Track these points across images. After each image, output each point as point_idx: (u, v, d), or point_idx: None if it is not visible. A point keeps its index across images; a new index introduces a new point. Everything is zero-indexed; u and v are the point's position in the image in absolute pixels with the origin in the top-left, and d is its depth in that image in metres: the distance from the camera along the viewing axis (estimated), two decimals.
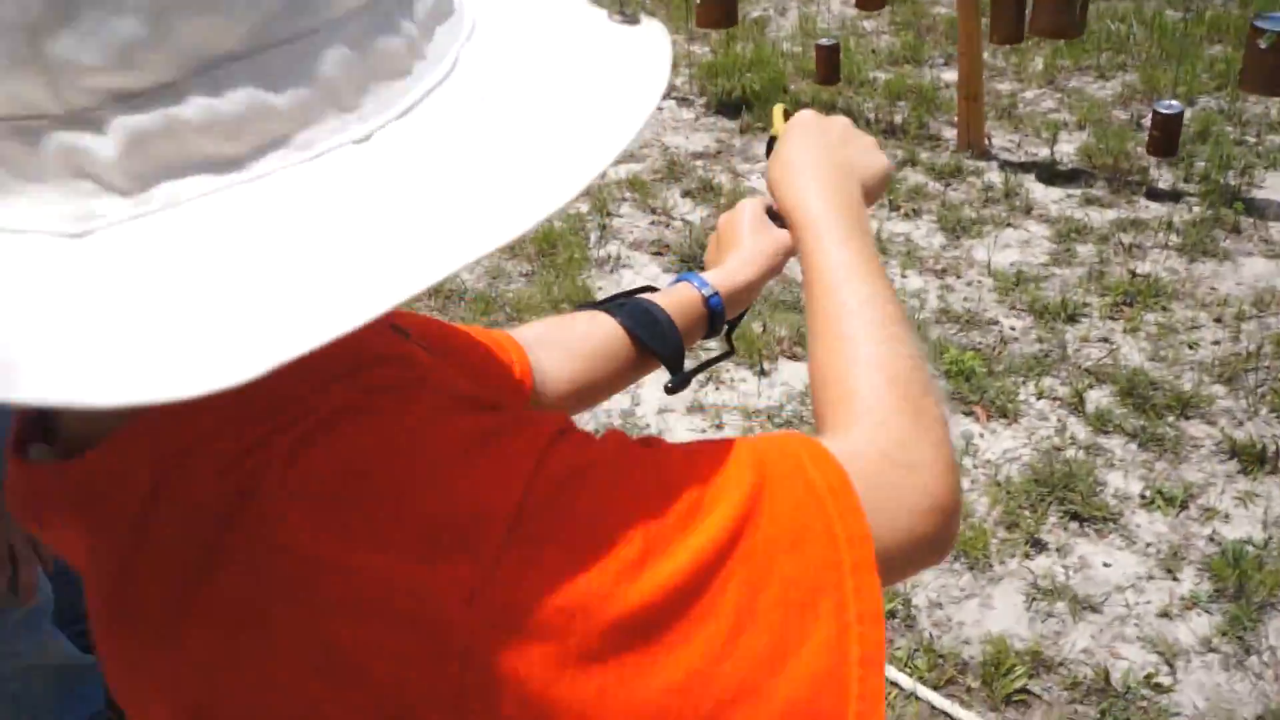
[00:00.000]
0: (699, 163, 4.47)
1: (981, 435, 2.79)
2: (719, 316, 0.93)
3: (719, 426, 2.90)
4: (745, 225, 0.95)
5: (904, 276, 3.52)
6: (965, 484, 2.63)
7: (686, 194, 4.21)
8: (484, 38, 0.49)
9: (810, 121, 0.83)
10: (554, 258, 3.83)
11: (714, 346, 2.88)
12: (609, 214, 4.11)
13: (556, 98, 0.47)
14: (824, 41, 4.38)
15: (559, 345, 0.88)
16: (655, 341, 0.88)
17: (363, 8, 0.43)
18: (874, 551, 0.48)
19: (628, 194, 4.25)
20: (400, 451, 0.44)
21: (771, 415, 2.93)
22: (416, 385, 0.48)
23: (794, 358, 3.17)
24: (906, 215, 3.91)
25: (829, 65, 4.38)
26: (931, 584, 2.37)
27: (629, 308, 0.90)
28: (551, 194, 0.43)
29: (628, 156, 4.59)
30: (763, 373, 3.11)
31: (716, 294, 0.92)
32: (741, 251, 0.94)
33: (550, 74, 0.49)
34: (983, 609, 2.31)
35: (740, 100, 4.95)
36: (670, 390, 0.81)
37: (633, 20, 0.50)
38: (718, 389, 3.06)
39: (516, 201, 0.42)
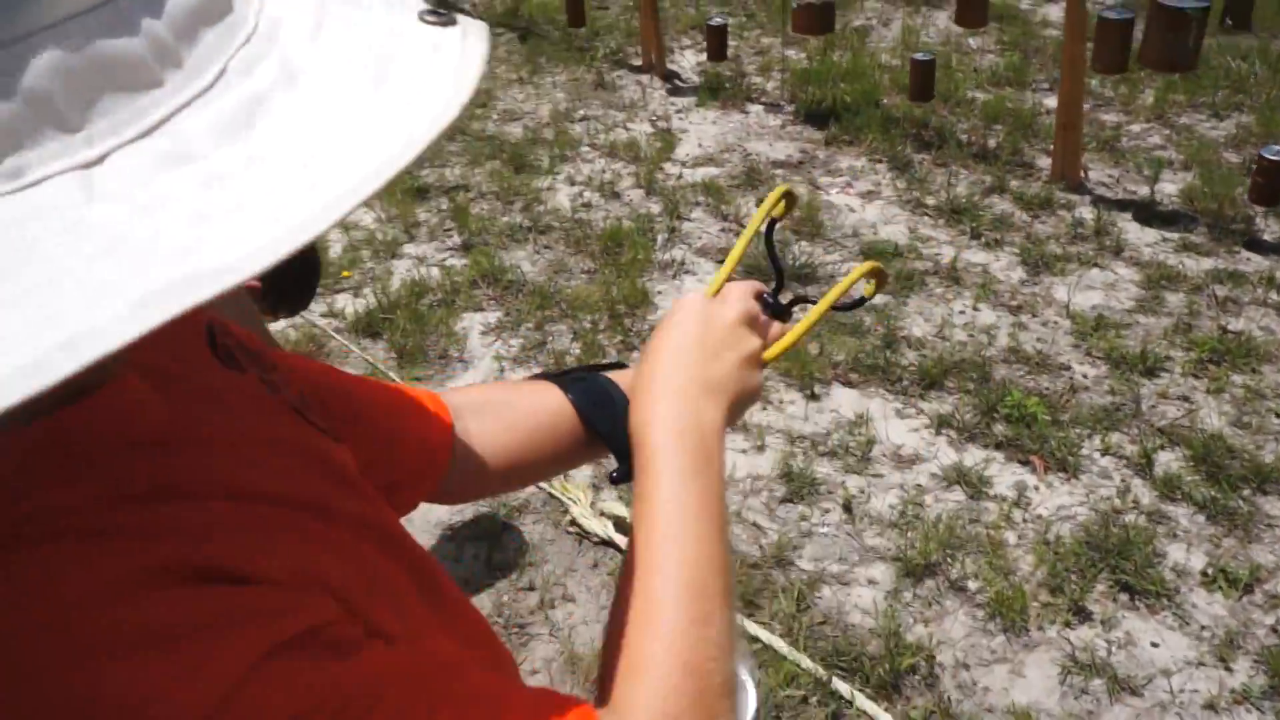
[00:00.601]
0: (779, 172, 4.35)
1: (1036, 488, 2.63)
2: None
3: (760, 448, 2.79)
4: None
5: (976, 309, 3.35)
6: (1012, 539, 2.48)
7: (761, 203, 4.09)
8: (267, 41, 0.43)
9: (695, 313, 0.74)
10: (618, 257, 3.76)
11: None
12: (680, 216, 4.02)
13: (327, 114, 0.41)
14: (919, 56, 4.23)
15: (497, 416, 0.82)
16: (605, 426, 0.81)
17: (91, 8, 0.37)
18: None
19: (701, 198, 4.15)
20: (49, 622, 0.38)
21: (816, 443, 2.81)
22: (139, 533, 0.42)
23: (848, 384, 3.04)
24: (987, 244, 3.73)
25: (923, 81, 4.24)
26: (961, 641, 2.23)
27: (585, 385, 0.84)
28: (285, 237, 0.36)
29: (705, 160, 4.49)
30: (813, 396, 2.99)
31: None
32: None
33: (329, 85, 0.42)
34: (1013, 676, 2.16)
35: (830, 111, 4.80)
36: (614, 481, 0.74)
37: (447, 20, 0.45)
38: (764, 409, 2.95)
39: (250, 241, 0.36)
